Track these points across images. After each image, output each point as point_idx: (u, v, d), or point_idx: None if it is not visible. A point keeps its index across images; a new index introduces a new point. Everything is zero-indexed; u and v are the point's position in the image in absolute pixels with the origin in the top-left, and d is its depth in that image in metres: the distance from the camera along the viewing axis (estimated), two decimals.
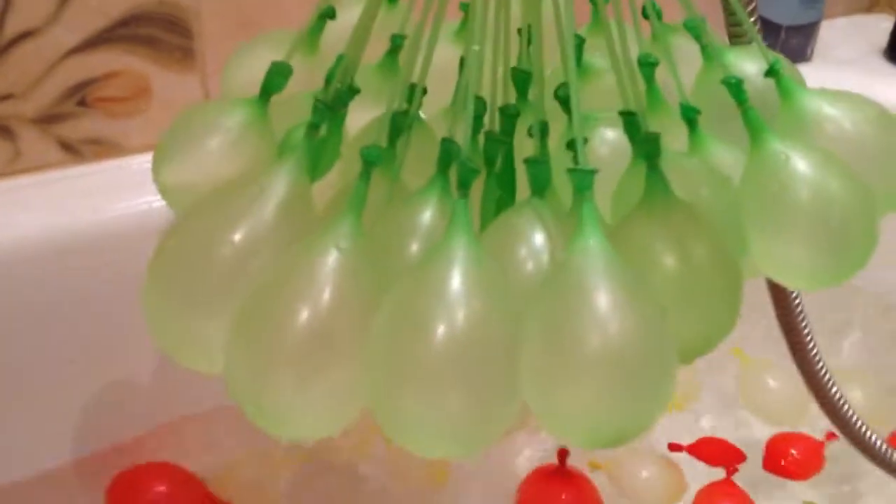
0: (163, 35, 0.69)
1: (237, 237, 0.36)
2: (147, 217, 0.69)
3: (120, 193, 0.70)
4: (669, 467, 0.76)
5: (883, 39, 0.96)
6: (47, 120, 0.69)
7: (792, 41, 0.89)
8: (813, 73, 0.86)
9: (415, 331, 0.33)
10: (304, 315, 0.34)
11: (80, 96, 0.69)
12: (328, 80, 0.45)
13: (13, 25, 0.65)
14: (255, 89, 0.43)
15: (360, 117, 0.43)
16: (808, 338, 0.55)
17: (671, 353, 0.33)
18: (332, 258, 0.34)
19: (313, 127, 0.39)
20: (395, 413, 0.33)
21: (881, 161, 0.40)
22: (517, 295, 0.35)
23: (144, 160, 0.70)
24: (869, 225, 0.38)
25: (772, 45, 0.86)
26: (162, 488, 0.69)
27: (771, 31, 0.89)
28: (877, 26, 0.99)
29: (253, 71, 0.46)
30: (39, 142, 0.69)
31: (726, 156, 0.41)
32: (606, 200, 0.41)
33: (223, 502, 0.71)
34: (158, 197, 0.65)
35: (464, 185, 0.36)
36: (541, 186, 0.38)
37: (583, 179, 0.35)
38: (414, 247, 0.37)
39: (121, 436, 0.71)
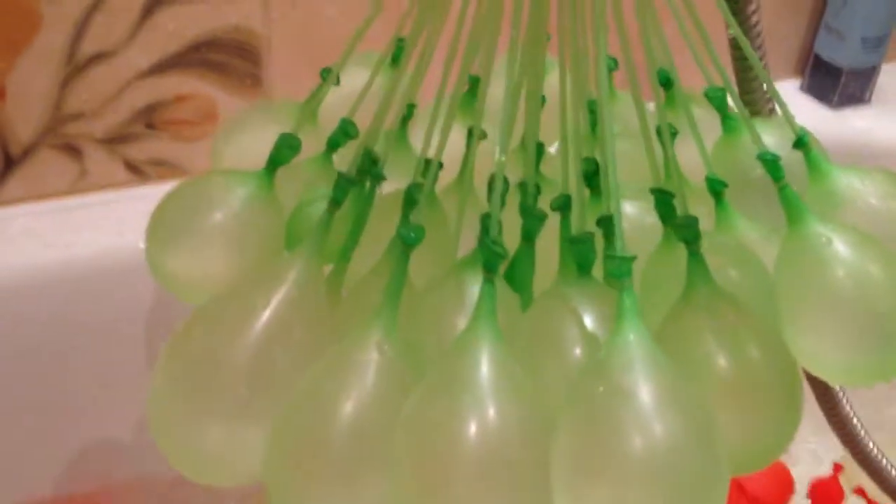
0: (233, 61, 0.70)
1: (252, 341, 0.33)
2: None
3: None
4: None
5: None
6: (116, 140, 0.69)
7: (852, 84, 0.88)
8: (870, 116, 0.89)
9: (436, 438, 0.31)
10: (350, 424, 0.32)
11: (150, 118, 0.69)
12: (331, 146, 0.43)
13: (89, 46, 0.65)
14: (250, 164, 0.40)
15: None
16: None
17: (722, 461, 0.30)
18: (373, 361, 0.33)
19: (335, 203, 0.37)
20: None
21: None
22: (548, 393, 0.33)
23: None
24: None
25: (832, 89, 0.86)
26: None
27: (831, 75, 0.88)
28: None
29: (244, 146, 0.44)
30: (107, 162, 0.70)
31: (752, 234, 0.40)
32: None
33: None
34: None
35: (490, 269, 0.33)
36: (586, 266, 0.36)
37: (621, 267, 0.33)
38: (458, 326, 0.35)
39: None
